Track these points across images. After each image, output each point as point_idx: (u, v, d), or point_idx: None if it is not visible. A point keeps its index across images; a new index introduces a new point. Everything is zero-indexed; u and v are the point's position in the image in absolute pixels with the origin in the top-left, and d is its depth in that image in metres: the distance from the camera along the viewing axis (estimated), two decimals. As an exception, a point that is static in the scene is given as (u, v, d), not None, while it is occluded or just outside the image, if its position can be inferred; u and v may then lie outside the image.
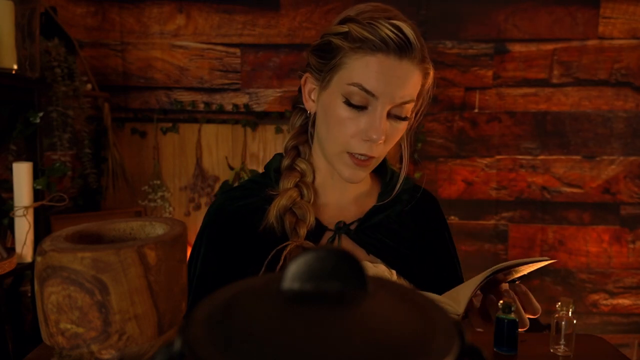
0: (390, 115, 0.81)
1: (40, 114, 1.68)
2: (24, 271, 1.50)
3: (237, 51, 2.42)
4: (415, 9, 2.39)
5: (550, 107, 2.41)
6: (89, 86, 2.18)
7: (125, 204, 2.41)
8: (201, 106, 2.43)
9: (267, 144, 2.44)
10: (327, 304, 0.30)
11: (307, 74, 0.88)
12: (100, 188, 2.30)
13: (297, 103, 0.94)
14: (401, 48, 0.78)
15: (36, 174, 1.61)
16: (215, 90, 2.44)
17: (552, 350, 0.77)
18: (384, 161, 0.95)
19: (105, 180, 2.32)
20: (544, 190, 2.45)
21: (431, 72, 0.85)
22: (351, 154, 0.82)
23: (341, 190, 0.93)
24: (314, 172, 0.92)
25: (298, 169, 0.90)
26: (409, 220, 0.94)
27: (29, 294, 1.74)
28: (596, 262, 2.44)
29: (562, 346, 0.76)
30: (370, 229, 0.91)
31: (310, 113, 0.89)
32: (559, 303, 0.78)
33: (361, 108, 0.80)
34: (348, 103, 0.80)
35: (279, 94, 2.43)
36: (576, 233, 2.45)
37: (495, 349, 0.75)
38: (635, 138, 2.40)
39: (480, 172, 2.46)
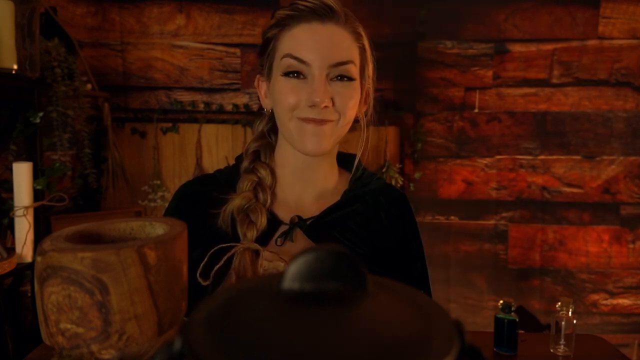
0: (332, 79, 0.83)
1: (40, 114, 1.67)
2: (24, 271, 1.50)
3: (237, 51, 2.42)
4: (415, 9, 2.39)
5: (550, 107, 2.41)
6: (89, 86, 2.18)
7: (125, 204, 2.41)
8: (201, 106, 2.43)
9: (267, 144, 2.44)
10: (327, 304, 0.30)
11: (258, 76, 0.93)
12: (100, 188, 2.30)
13: (259, 109, 0.97)
14: (322, 13, 0.82)
15: (36, 174, 1.61)
16: (215, 90, 2.44)
17: (552, 350, 0.77)
18: (354, 158, 0.97)
19: (105, 180, 2.32)
20: (544, 190, 2.45)
21: (361, 31, 0.87)
22: (302, 118, 0.84)
23: (303, 187, 0.93)
24: (273, 175, 0.93)
25: (257, 172, 0.92)
26: (371, 220, 0.94)
27: (29, 294, 1.74)
28: (596, 262, 2.44)
29: (562, 346, 0.76)
30: (326, 226, 0.91)
31: (267, 111, 0.93)
32: (559, 303, 0.78)
33: (299, 75, 0.83)
34: (286, 74, 0.84)
35: (279, 94, 2.43)
36: (576, 233, 2.45)
37: (495, 349, 0.75)
38: (635, 138, 2.40)
39: (480, 172, 2.46)
